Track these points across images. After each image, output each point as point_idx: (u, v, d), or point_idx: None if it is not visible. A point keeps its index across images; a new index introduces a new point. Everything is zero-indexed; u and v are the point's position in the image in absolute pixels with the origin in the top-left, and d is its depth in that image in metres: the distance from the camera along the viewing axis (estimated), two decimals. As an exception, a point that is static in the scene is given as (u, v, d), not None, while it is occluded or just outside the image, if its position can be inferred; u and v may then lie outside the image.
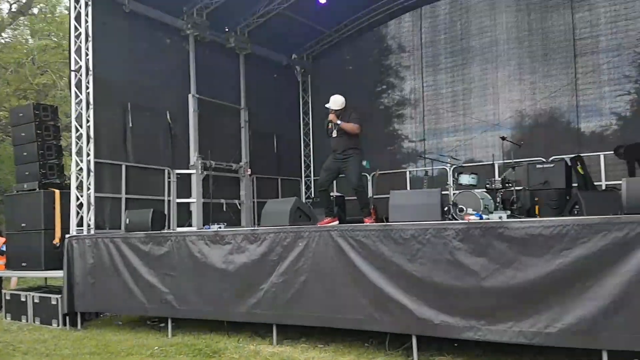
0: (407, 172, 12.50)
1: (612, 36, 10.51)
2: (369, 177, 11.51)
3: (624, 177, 5.03)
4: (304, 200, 13.30)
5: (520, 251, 4.67)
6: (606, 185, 9.71)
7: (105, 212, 8.82)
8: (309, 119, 13.98)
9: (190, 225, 10.28)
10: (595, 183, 9.29)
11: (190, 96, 10.67)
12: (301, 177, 13.91)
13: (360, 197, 6.87)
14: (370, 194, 11.16)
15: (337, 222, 6.71)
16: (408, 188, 11.86)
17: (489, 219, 5.13)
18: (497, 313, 4.74)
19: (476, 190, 8.56)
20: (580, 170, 8.53)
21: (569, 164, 8.56)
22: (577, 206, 6.62)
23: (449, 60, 12.21)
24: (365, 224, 6.32)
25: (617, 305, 4.27)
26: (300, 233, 5.92)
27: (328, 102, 6.95)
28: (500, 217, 5.00)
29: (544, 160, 9.41)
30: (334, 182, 7.27)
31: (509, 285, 4.69)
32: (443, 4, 12.26)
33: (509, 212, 7.13)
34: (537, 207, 8.36)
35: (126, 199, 9.10)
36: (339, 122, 6.75)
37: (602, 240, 4.36)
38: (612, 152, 9.63)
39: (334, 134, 6.87)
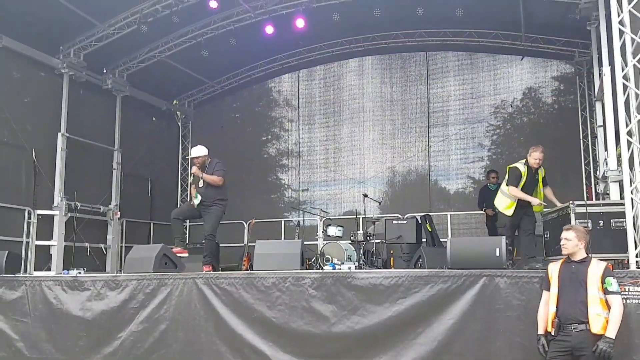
0: (282, 222, 12.97)
1: (460, 111, 12.21)
2: (245, 225, 11.75)
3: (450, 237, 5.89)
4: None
5: (365, 299, 5.25)
6: (451, 241, 10.96)
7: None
8: (187, 164, 14.01)
9: (49, 270, 9.71)
10: (443, 239, 10.44)
11: (59, 135, 10.31)
12: (176, 223, 13.72)
13: (208, 245, 7.20)
14: (245, 241, 11.42)
15: (186, 254, 7.05)
16: (282, 237, 12.33)
17: (340, 268, 5.67)
18: (343, 357, 5.22)
19: (342, 241, 9.24)
20: (428, 227, 9.58)
21: (420, 221, 9.57)
22: (420, 260, 7.47)
23: (323, 121, 13.25)
24: (230, 272, 6.58)
25: (442, 350, 4.95)
26: (164, 280, 6.03)
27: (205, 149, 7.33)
28: (349, 268, 5.54)
29: (399, 217, 10.43)
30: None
31: (354, 330, 5.22)
32: (319, 69, 13.34)
33: (357, 263, 7.80)
34: (392, 259, 9.21)
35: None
36: (201, 175, 7.12)
37: (430, 290, 5.08)
38: (459, 211, 10.99)
39: (201, 184, 7.23)
